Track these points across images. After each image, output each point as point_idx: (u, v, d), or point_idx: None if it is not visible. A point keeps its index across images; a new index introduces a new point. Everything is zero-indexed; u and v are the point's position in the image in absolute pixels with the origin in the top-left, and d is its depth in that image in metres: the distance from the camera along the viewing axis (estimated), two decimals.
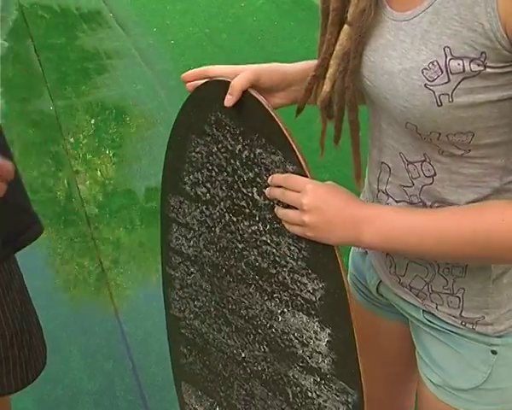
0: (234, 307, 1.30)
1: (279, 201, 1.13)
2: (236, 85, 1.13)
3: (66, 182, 3.64)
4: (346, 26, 1.04)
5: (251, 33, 5.14)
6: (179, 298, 1.44)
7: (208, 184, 1.26)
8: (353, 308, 1.12)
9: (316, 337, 1.19)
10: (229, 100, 1.14)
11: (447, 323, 1.17)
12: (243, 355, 1.33)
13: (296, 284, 1.18)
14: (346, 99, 1.07)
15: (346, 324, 1.14)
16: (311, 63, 1.20)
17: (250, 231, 1.22)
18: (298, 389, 1.25)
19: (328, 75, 1.07)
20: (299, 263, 1.16)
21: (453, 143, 1.00)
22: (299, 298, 1.18)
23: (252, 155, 1.17)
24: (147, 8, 5.93)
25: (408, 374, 1.45)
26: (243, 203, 1.21)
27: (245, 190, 1.20)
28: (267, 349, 1.28)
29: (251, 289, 1.26)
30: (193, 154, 1.27)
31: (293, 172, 1.11)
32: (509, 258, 1.03)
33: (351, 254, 1.42)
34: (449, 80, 0.93)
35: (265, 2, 5.54)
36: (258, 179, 1.17)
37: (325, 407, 1.22)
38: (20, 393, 1.68)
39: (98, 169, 3.77)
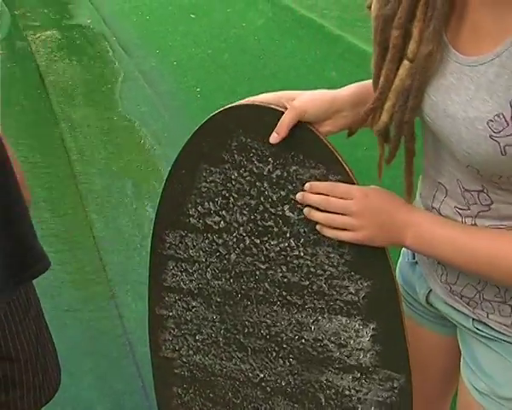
0: (251, 329, 1.31)
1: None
2: (284, 124, 1.14)
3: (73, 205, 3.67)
4: (406, 62, 1.04)
5: (252, 52, 5.17)
6: (173, 337, 1.41)
7: (223, 212, 1.26)
8: (400, 298, 1.20)
9: (357, 335, 1.23)
10: (275, 138, 1.15)
11: (498, 331, 1.18)
12: (262, 376, 1.34)
13: (335, 290, 1.21)
14: (404, 131, 1.08)
15: (395, 314, 1.20)
16: (360, 86, 1.23)
17: (278, 249, 1.23)
18: (332, 391, 1.28)
19: (386, 107, 1.08)
20: (339, 268, 1.20)
21: None
22: (337, 302, 1.22)
23: (285, 174, 1.18)
24: (149, 31, 5.98)
25: (443, 393, 1.47)
26: (270, 223, 1.22)
27: (273, 210, 1.21)
28: (294, 362, 1.30)
29: (275, 307, 1.27)
30: (204, 184, 1.26)
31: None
32: None
33: (398, 265, 1.44)
34: None
35: (266, 22, 5.58)
36: (291, 196, 1.19)
37: (366, 399, 1.26)
38: None
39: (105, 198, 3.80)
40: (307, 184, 1.16)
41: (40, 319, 1.61)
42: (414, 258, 1.36)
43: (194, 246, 1.32)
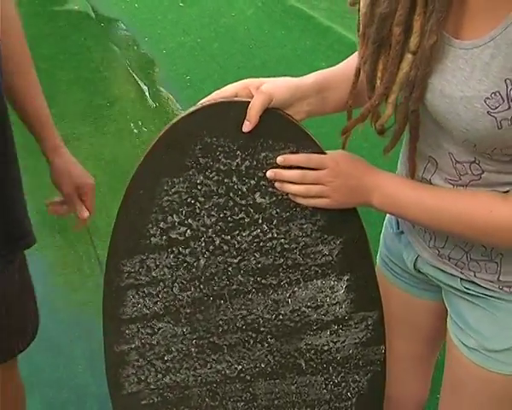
0: (226, 327, 1.32)
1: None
2: (254, 110, 1.16)
3: None
4: (409, 55, 1.08)
5: (242, 42, 5.17)
6: (138, 369, 1.36)
7: (189, 220, 1.24)
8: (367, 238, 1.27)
9: (332, 292, 1.28)
10: (247, 126, 1.17)
11: (485, 288, 1.24)
12: (240, 367, 1.36)
13: (309, 258, 1.26)
14: (411, 120, 1.12)
15: (366, 259, 1.28)
16: (322, 74, 1.27)
17: (250, 238, 1.26)
18: (312, 352, 1.33)
19: (389, 100, 1.12)
20: (313, 236, 1.24)
21: (505, 153, 1.08)
22: (312, 268, 1.27)
23: (254, 162, 1.20)
24: (137, 19, 5.95)
25: (431, 353, 1.55)
26: (241, 215, 1.24)
27: (243, 202, 1.23)
28: (272, 341, 1.33)
29: (250, 296, 1.30)
30: (165, 198, 1.23)
31: None
32: (489, 242, 1.17)
33: (381, 236, 1.50)
34: (509, 107, 1.00)
35: (256, 12, 5.58)
36: (262, 182, 1.21)
37: (344, 346, 1.32)
38: (28, 395, 1.72)
39: None
40: (280, 158, 1.19)
41: (25, 274, 1.61)
42: (399, 228, 1.41)
43: (157, 266, 1.28)
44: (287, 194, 1.22)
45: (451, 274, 1.29)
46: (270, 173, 1.20)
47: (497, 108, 1.01)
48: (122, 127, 4.30)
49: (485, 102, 1.01)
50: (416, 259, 1.37)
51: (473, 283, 1.26)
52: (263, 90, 1.17)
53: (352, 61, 1.28)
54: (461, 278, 1.28)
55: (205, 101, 1.21)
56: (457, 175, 1.16)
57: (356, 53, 1.25)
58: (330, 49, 4.74)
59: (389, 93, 1.12)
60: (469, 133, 1.06)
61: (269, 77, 1.25)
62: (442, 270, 1.31)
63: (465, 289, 1.28)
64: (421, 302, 1.45)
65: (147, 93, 4.70)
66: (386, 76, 1.11)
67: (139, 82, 4.84)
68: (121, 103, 4.56)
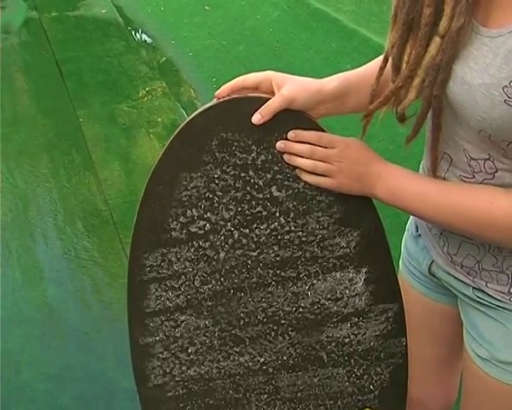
0: (247, 319, 1.34)
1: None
2: (270, 109, 1.19)
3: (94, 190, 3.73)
4: (437, 39, 1.08)
5: (268, 44, 5.21)
6: (163, 361, 1.38)
7: (208, 214, 1.27)
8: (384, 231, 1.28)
9: (351, 284, 1.30)
10: (259, 119, 1.19)
11: (496, 299, 1.24)
12: (262, 360, 1.37)
13: (327, 250, 1.28)
14: (434, 105, 1.12)
15: (384, 250, 1.29)
16: (344, 79, 1.28)
17: (268, 231, 1.28)
18: (333, 344, 1.35)
19: (414, 84, 1.12)
20: (330, 228, 1.27)
21: None
22: (330, 260, 1.29)
23: (270, 156, 1.23)
24: (164, 22, 6.02)
25: (453, 358, 1.53)
26: (259, 209, 1.26)
27: (260, 195, 1.25)
28: (293, 333, 1.34)
29: (270, 288, 1.31)
30: (184, 193, 1.26)
31: None
32: (489, 237, 1.15)
33: (403, 239, 1.51)
34: None
35: (281, 14, 5.61)
36: (278, 176, 1.24)
37: (365, 339, 1.34)
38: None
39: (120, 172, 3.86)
40: (291, 133, 1.20)
41: None
42: (417, 231, 1.42)
43: (178, 260, 1.30)
44: (303, 187, 1.24)
45: (464, 282, 1.29)
46: (279, 144, 1.21)
47: None
48: (150, 130, 4.36)
49: (503, 89, 1.01)
50: (431, 263, 1.38)
51: (484, 292, 1.26)
52: (284, 94, 1.19)
53: (374, 64, 1.29)
54: (473, 287, 1.28)
55: (222, 89, 1.23)
56: (471, 173, 1.16)
57: (378, 57, 1.26)
58: (355, 52, 4.76)
59: (414, 76, 1.11)
60: (485, 122, 1.05)
61: None
62: (455, 277, 1.31)
63: (477, 298, 1.28)
64: (439, 306, 1.45)
65: (173, 96, 4.76)
66: (412, 58, 1.10)
67: (165, 85, 4.90)
68: (148, 105, 4.62)
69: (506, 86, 1.00)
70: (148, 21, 6.07)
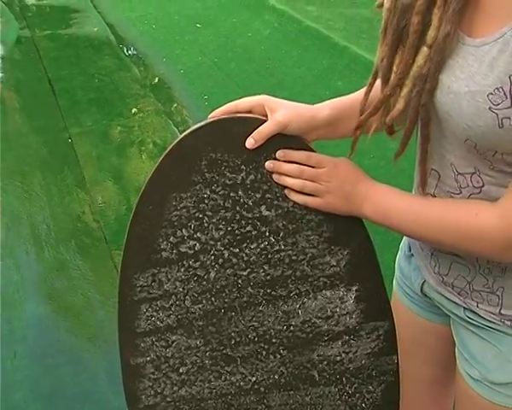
0: (238, 339, 1.33)
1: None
2: (263, 134, 1.20)
3: (86, 208, 3.73)
4: (425, 48, 1.09)
5: (259, 62, 5.24)
6: (154, 382, 1.37)
7: (198, 234, 1.26)
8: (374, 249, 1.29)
9: (341, 302, 1.30)
10: (252, 144, 1.20)
11: (487, 320, 1.24)
12: (254, 379, 1.36)
13: (317, 269, 1.28)
14: (422, 115, 1.13)
15: (374, 268, 1.29)
16: (338, 105, 1.29)
17: (258, 250, 1.27)
18: (324, 363, 1.34)
19: (402, 94, 1.12)
20: (319, 247, 1.27)
21: (505, 161, 1.08)
22: (320, 279, 1.29)
23: (259, 176, 1.23)
24: (155, 40, 6.05)
25: (448, 377, 1.51)
26: (249, 228, 1.26)
27: (250, 215, 1.25)
28: (284, 352, 1.34)
29: (261, 307, 1.31)
30: (174, 213, 1.25)
31: None
32: (478, 251, 1.14)
33: (397, 259, 1.51)
34: (511, 105, 1.01)
35: (272, 32, 5.65)
36: (267, 195, 1.24)
37: (356, 357, 1.33)
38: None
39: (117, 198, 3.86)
40: (280, 152, 1.21)
41: None
42: (410, 250, 1.42)
43: (168, 280, 1.30)
44: (292, 206, 1.24)
45: (455, 302, 1.29)
46: (268, 164, 1.22)
47: (499, 104, 1.01)
48: (142, 147, 4.37)
49: (487, 97, 1.01)
50: (423, 283, 1.38)
51: (475, 313, 1.25)
52: (278, 119, 1.20)
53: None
54: (464, 307, 1.27)
55: (215, 113, 1.24)
56: (458, 188, 1.16)
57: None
58: (346, 69, 4.79)
59: (402, 85, 1.12)
60: (471, 130, 1.06)
61: (286, 96, 1.27)
62: (446, 297, 1.31)
63: (468, 319, 1.27)
64: (433, 326, 1.45)
65: (165, 114, 4.77)
66: (401, 67, 1.11)
67: (157, 102, 4.92)
68: (140, 123, 4.63)
69: (491, 93, 1.01)
70: (140, 39, 6.10)
